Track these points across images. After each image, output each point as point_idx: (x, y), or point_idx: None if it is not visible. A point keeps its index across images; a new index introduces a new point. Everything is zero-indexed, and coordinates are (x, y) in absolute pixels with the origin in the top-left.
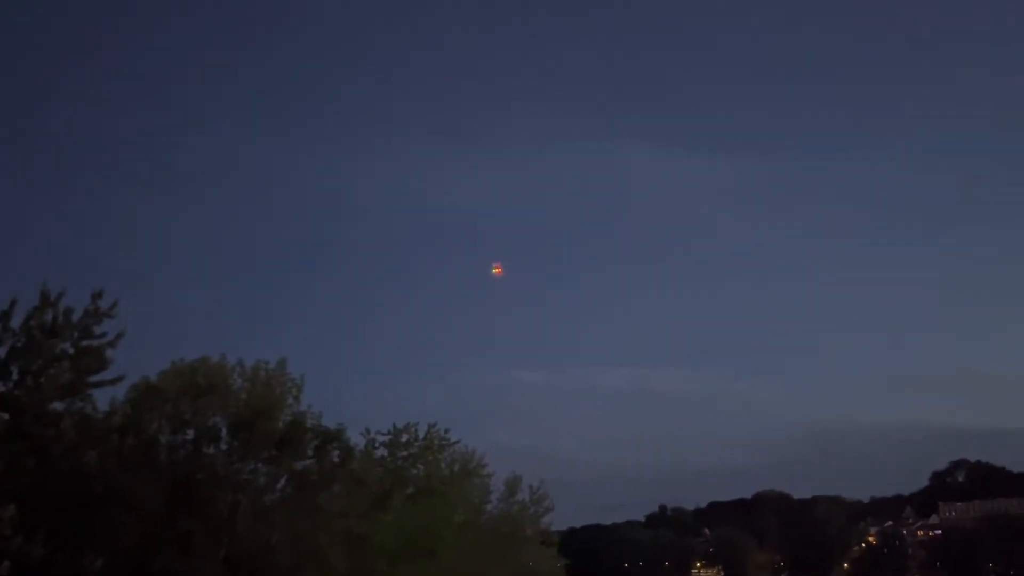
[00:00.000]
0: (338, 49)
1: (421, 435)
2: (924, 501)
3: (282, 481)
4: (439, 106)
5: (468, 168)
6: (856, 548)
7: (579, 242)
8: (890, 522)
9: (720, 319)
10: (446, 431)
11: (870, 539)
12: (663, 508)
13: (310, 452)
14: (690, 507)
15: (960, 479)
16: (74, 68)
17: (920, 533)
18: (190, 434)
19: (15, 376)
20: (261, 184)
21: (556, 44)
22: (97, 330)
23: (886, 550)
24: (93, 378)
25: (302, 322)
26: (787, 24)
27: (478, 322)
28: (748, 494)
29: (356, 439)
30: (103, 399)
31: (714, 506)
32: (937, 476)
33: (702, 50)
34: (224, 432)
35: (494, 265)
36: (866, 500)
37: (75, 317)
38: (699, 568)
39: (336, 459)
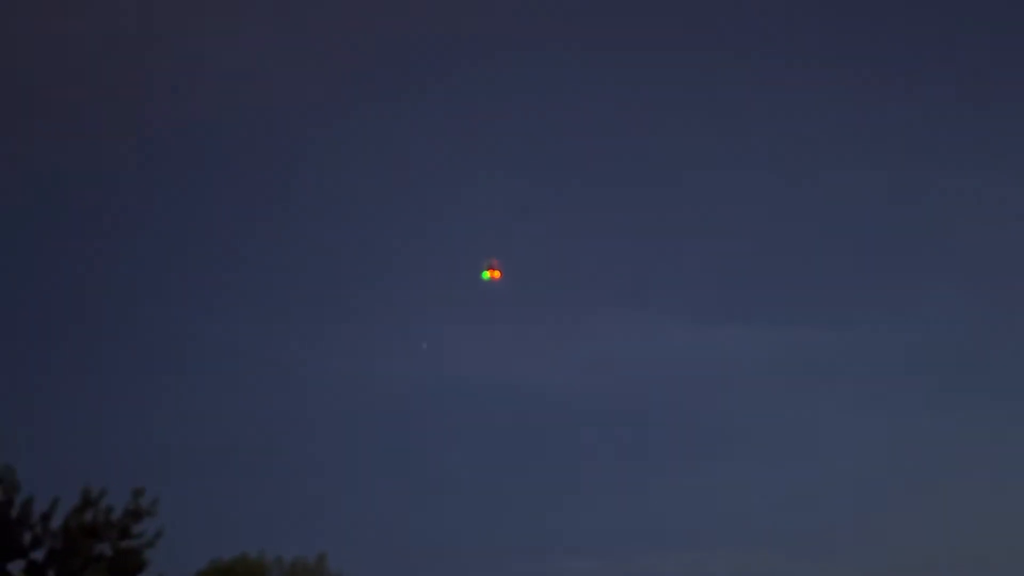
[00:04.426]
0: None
1: None
2: None
3: None
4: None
5: (498, 344)
6: None
7: (609, 422)
8: None
9: (765, 497)
10: None
11: None
12: None
13: None
14: None
15: None
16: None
17: None
18: None
19: None
20: (281, 369)
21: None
22: (136, 529)
23: None
24: None
25: (342, 511)
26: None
27: (525, 509)
28: None
29: None
30: None
31: None
32: None
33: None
34: None
35: (490, 262)
36: None
37: (115, 516)
38: None
39: None
